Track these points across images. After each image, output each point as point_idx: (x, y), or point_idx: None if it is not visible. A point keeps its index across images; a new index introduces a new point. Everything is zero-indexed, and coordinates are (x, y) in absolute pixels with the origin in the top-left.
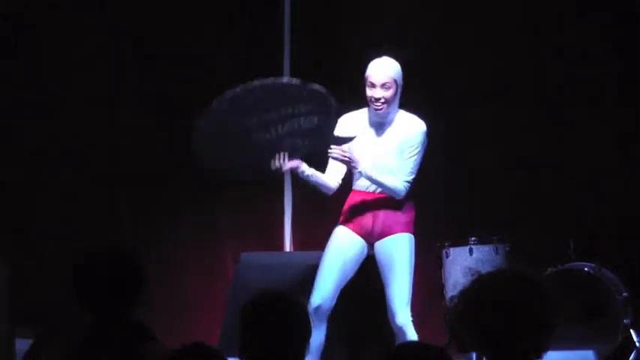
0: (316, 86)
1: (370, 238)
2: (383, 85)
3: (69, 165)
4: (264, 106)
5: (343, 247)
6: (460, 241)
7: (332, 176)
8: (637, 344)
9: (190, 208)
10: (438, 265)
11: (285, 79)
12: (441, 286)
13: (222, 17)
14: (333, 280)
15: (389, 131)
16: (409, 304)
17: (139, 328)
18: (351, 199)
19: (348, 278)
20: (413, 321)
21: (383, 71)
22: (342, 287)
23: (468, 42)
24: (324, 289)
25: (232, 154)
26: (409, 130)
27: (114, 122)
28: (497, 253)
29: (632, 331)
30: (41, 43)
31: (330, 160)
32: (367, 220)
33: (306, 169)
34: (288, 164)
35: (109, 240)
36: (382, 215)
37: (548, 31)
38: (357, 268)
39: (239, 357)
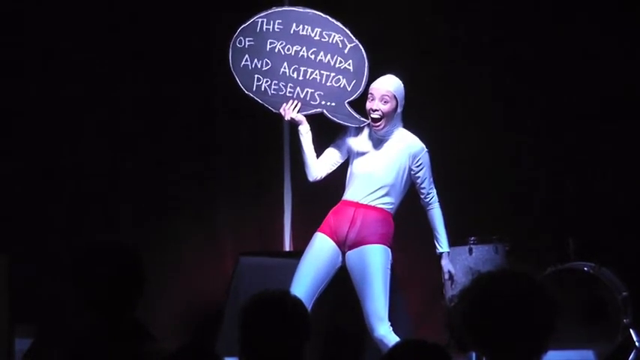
0: (359, 46)
1: (343, 247)
2: (382, 98)
3: (69, 164)
4: (309, 41)
5: (317, 253)
6: (460, 241)
7: (320, 164)
8: (637, 344)
9: (190, 208)
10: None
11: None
12: (440, 286)
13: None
14: (306, 285)
15: (387, 145)
16: (386, 316)
17: (139, 328)
18: (336, 208)
19: (324, 284)
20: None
21: (383, 85)
22: (318, 293)
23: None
24: (298, 295)
25: (260, 69)
26: (407, 147)
27: (114, 122)
28: (496, 252)
29: (632, 331)
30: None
31: (329, 150)
32: (343, 228)
33: (305, 132)
34: (293, 115)
35: (109, 239)
36: (359, 225)
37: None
38: (332, 273)
39: (239, 357)
